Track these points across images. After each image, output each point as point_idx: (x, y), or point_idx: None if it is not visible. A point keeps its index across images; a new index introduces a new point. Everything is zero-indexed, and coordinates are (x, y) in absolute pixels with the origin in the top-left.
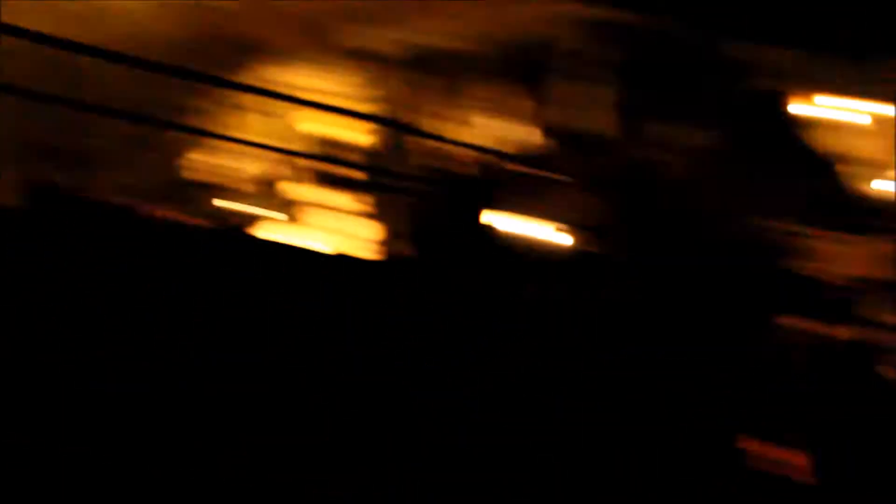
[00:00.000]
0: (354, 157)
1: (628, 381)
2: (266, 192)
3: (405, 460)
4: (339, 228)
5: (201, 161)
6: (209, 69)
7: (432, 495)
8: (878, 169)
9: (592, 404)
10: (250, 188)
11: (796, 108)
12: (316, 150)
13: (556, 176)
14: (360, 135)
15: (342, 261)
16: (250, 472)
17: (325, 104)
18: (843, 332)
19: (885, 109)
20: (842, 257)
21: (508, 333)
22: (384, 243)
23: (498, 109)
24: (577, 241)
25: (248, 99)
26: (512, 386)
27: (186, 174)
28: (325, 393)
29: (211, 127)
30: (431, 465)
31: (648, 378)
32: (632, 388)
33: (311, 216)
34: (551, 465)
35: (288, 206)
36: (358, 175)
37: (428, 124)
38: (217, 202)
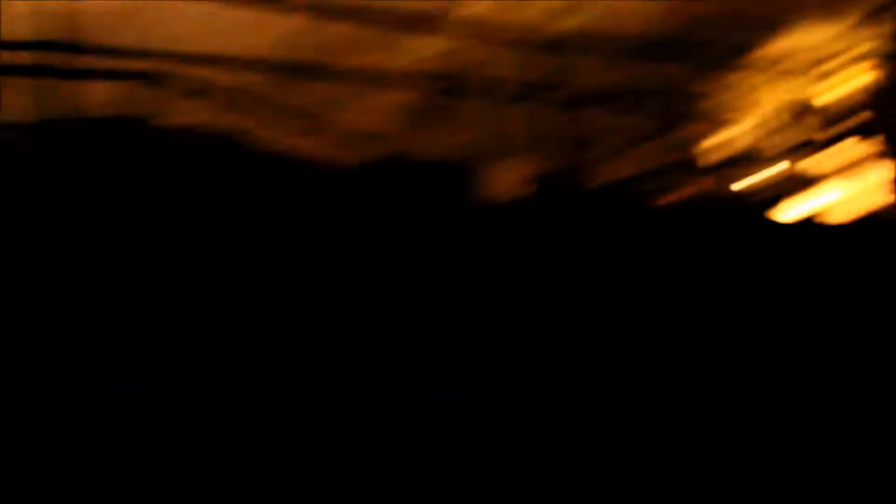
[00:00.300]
0: (867, 111)
1: (628, 381)
2: (778, 164)
3: (405, 460)
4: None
5: (707, 142)
6: (701, 48)
7: (432, 495)
8: None
9: (592, 404)
10: (761, 162)
11: None
12: (828, 114)
13: None
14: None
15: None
16: (250, 472)
17: (836, 64)
18: None
19: None
20: None
21: (508, 333)
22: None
23: None
24: None
25: (747, 74)
26: (512, 386)
27: (692, 155)
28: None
29: (713, 106)
30: (431, 465)
31: (648, 378)
32: (632, 388)
33: (831, 181)
34: (551, 465)
35: (804, 176)
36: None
37: None
38: (728, 180)
